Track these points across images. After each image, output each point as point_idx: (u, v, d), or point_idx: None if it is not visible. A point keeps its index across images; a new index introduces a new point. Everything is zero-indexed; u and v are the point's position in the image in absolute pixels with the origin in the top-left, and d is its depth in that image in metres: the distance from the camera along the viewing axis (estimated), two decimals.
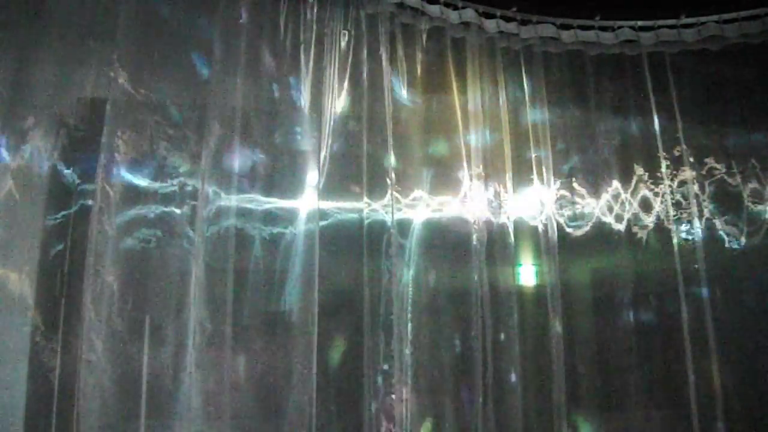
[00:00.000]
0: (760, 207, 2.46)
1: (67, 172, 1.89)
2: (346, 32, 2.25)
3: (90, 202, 1.83)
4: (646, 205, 2.48)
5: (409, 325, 2.10)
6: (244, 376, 1.92)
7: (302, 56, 2.16)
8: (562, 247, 2.38)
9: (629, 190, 2.50)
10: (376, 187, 2.15)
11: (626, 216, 2.47)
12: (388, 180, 2.15)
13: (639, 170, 2.51)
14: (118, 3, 1.96)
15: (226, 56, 2.02)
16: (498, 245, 2.31)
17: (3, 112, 1.83)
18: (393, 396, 1.98)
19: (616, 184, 2.50)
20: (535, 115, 2.49)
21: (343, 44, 2.24)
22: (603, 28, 2.62)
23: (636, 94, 2.58)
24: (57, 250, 1.85)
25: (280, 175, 2.06)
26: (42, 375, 1.77)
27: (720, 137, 2.59)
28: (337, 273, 2.09)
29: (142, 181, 1.88)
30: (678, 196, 2.46)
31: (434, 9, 2.40)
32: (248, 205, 1.99)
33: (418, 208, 2.24)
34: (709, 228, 2.43)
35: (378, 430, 1.96)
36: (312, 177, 2.07)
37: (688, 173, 2.47)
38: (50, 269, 1.84)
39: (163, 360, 1.78)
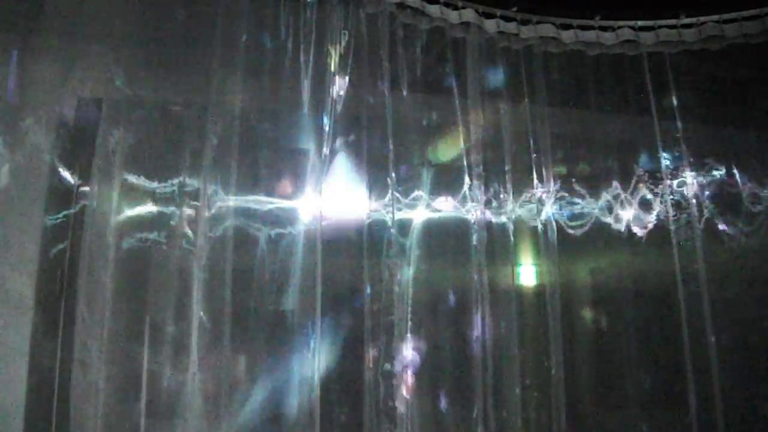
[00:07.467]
0: (759, 207, 2.46)
1: (67, 172, 1.89)
2: (346, 32, 2.25)
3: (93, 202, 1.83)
4: (646, 205, 2.48)
5: (410, 325, 2.10)
6: (246, 377, 1.92)
7: (302, 56, 2.16)
8: (562, 247, 2.38)
9: (629, 190, 2.50)
10: (376, 186, 2.15)
11: (626, 216, 2.47)
12: (388, 180, 2.15)
13: (639, 170, 2.51)
14: (117, 3, 1.96)
15: (226, 56, 2.02)
16: (498, 245, 2.31)
17: (2, 112, 1.83)
18: (393, 396, 1.98)
19: (616, 184, 2.50)
20: (535, 115, 2.48)
21: (343, 44, 2.24)
22: (603, 28, 2.62)
23: (636, 94, 2.58)
24: (58, 249, 1.85)
25: (280, 175, 2.07)
26: (42, 375, 1.77)
27: (720, 137, 2.59)
28: (338, 273, 2.09)
29: (141, 181, 1.88)
30: (678, 196, 2.46)
31: (434, 9, 2.39)
32: (249, 205, 1.99)
33: (418, 208, 2.24)
34: (709, 228, 2.43)
35: (379, 430, 1.96)
36: (313, 177, 2.07)
37: (688, 173, 2.47)
38: (51, 269, 1.84)
39: (163, 361, 1.78)
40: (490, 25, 2.49)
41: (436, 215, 2.26)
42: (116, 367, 1.72)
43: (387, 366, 2.00)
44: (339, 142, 2.14)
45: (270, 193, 2.03)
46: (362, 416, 1.96)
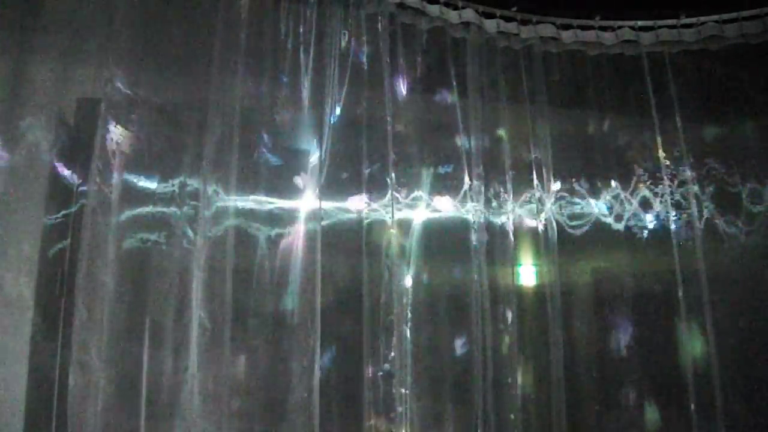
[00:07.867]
0: (759, 207, 2.46)
1: (67, 172, 1.89)
2: (346, 32, 2.25)
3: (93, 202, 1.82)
4: (646, 205, 2.48)
5: (409, 325, 2.10)
6: (246, 377, 1.92)
7: (302, 56, 2.16)
8: (562, 247, 2.38)
9: (629, 190, 2.50)
10: (376, 187, 2.15)
11: (626, 216, 2.47)
12: (388, 180, 2.15)
13: (639, 170, 2.51)
14: (117, 3, 1.96)
15: (226, 56, 2.02)
16: (498, 245, 2.31)
17: (2, 112, 1.82)
18: (393, 396, 1.98)
19: (616, 184, 2.50)
20: (535, 115, 2.49)
21: (343, 44, 2.23)
22: (603, 28, 2.62)
23: (636, 94, 2.58)
24: (57, 249, 1.85)
25: (280, 175, 2.06)
26: (42, 375, 1.77)
27: (720, 137, 2.59)
28: (337, 273, 2.09)
29: (141, 182, 1.88)
30: (678, 196, 2.46)
31: (434, 9, 2.40)
32: (248, 205, 1.99)
33: (418, 208, 2.24)
34: (709, 228, 2.43)
35: (378, 430, 1.96)
36: (312, 177, 2.07)
37: (688, 173, 2.47)
38: (50, 269, 1.84)
39: (163, 360, 1.77)
40: (490, 25, 2.49)
41: (436, 215, 2.26)
42: (116, 367, 1.72)
43: (387, 366, 2.00)
44: (339, 141, 2.14)
45: (270, 193, 2.03)
46: (362, 416, 1.96)
